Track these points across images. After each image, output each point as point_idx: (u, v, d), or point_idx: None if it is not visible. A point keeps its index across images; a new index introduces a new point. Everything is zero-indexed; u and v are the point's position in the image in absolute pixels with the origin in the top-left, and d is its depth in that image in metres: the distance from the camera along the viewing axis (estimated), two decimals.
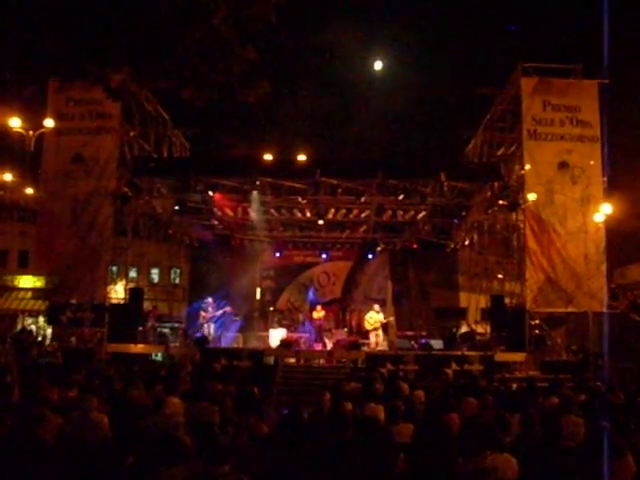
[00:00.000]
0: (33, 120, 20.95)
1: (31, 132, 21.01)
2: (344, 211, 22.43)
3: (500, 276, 22.52)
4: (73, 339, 19.97)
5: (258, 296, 26.98)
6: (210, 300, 22.39)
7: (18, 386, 9.67)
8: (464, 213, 22.65)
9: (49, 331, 22.04)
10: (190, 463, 5.72)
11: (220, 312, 22.30)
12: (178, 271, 28.14)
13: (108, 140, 20.52)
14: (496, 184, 20.35)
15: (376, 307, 22.58)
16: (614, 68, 19.27)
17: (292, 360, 19.85)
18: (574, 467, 6.31)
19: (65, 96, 20.51)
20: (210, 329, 22.02)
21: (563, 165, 19.93)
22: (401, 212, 22.53)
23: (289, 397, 13.81)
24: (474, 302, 23.28)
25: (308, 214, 22.84)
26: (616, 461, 6.12)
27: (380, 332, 22.06)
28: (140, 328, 20.05)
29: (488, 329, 20.82)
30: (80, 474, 5.93)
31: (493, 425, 7.19)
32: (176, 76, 8.43)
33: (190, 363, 17.22)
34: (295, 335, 22.66)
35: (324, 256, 26.74)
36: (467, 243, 24.89)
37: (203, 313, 22.12)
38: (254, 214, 22.80)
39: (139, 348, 19.32)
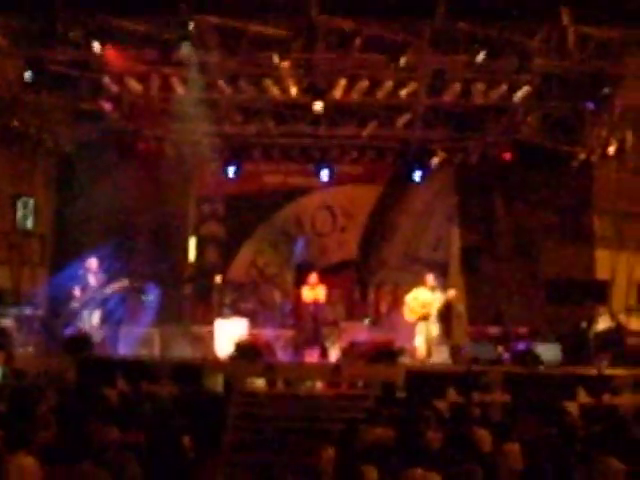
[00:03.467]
0: None
1: None
2: (366, 84, 19.54)
3: None
4: None
5: (192, 255, 24.49)
6: (93, 262, 19.63)
7: None
8: (607, 91, 19.37)
9: None
10: None
11: (112, 288, 19.69)
12: (31, 203, 24.50)
13: None
14: None
15: (430, 278, 19.95)
16: None
17: (260, 382, 18.14)
18: None
19: None
20: (92, 319, 19.43)
21: None
22: (481, 87, 19.59)
23: (253, 455, 13.17)
24: (624, 269, 21.41)
25: (293, 90, 20.16)
26: None
27: (434, 325, 19.45)
28: None
29: None
30: None
31: None
32: None
33: (56, 387, 15.57)
34: (266, 332, 20.63)
35: (324, 175, 23.47)
36: (612, 152, 21.43)
37: (78, 289, 19.39)
38: (185, 89, 20.16)
39: None
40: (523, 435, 10.68)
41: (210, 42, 18.47)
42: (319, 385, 18.14)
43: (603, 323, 20.00)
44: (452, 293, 20.68)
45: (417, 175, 23.76)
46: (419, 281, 20.22)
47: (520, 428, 11.35)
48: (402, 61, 17.95)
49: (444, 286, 20.84)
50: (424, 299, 19.57)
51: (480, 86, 19.64)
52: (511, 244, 23.79)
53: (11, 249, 22.98)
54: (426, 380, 16.89)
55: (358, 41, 18.06)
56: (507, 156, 23.05)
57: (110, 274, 20.02)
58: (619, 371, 17.30)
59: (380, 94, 20.06)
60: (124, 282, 20.02)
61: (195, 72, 19.34)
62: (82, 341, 18.07)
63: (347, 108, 21.98)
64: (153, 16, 17.90)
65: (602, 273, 22.70)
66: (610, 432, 10.88)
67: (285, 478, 8.93)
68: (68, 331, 19.00)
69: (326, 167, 23.60)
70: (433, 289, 19.68)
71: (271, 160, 24.08)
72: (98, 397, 14.12)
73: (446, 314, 20.43)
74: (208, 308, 22.58)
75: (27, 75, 18.89)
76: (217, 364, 18.47)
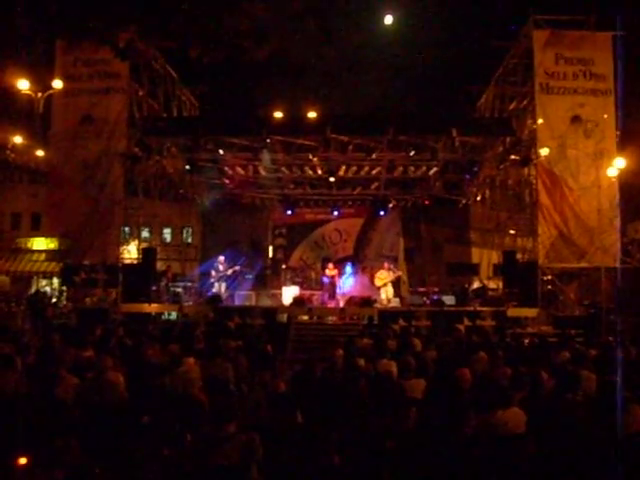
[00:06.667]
0: (41, 82, 20.61)
1: (39, 94, 20.71)
2: (355, 168, 22.26)
3: (512, 232, 22.25)
4: (87, 300, 20.05)
5: (270, 254, 27.03)
6: (221, 258, 22.14)
7: (34, 347, 9.64)
8: (476, 169, 22.39)
9: (64, 292, 22.01)
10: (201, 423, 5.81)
11: (230, 271, 22.06)
12: (190, 230, 28.02)
13: (117, 100, 20.30)
14: (508, 139, 20.16)
15: (386, 265, 22.66)
16: (628, 19, 18.82)
17: (305, 317, 19.92)
18: (584, 421, 6.37)
19: (73, 57, 20.32)
20: (221, 288, 21.85)
21: (576, 119, 19.56)
22: (412, 168, 22.32)
23: (302, 354, 13.73)
24: (486, 258, 23.18)
25: (319, 171, 22.71)
26: (625, 414, 6.20)
27: (390, 288, 22.11)
28: (154, 288, 19.94)
29: (500, 285, 20.78)
30: (97, 433, 5.95)
31: (503, 381, 7.37)
32: (183, 34, 8.34)
33: (204, 322, 17.54)
34: (308, 292, 22.72)
35: (335, 213, 26.41)
36: (479, 199, 24.78)
37: (213, 272, 21.98)
38: (265, 172, 22.73)
39: (153, 307, 19.31)
40: (437, 342, 11.57)
41: (277, 148, 20.69)
42: (334, 318, 19.95)
43: (476, 284, 22.35)
44: (399, 273, 23.16)
45: (381, 213, 25.96)
46: (382, 266, 22.53)
47: (436, 338, 12.57)
48: (373, 156, 20.66)
49: (397, 268, 23.18)
50: (385, 275, 21.97)
51: (412, 168, 22.24)
52: (429, 247, 25.97)
53: (180, 253, 26.39)
54: (388, 315, 18.72)
55: (350, 146, 20.60)
56: (427, 202, 25.38)
57: (230, 264, 21.93)
58: (484, 308, 19.09)
59: (362, 173, 22.55)
60: (237, 268, 22.07)
61: (270, 163, 21.64)
62: (216, 298, 19.98)
63: (346, 180, 23.77)
64: (247, 135, 20.26)
65: (475, 259, 25.15)
66: (480, 340, 12.27)
67: (317, 366, 8.79)
68: (209, 293, 21.18)
69: (336, 209, 26.13)
70: (389, 270, 22.10)
71: (309, 207, 26.38)
72: (224, 326, 15.33)
73: (397, 282, 22.77)
74: (278, 281, 24.74)
75: (187, 167, 21.54)
76: (283, 308, 20.18)
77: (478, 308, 19.38)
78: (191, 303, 20.77)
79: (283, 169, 22.67)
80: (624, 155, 20.03)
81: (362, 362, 9.22)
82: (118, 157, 19.93)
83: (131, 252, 21.31)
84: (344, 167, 22.22)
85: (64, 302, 21.28)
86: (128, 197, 20.67)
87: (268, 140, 19.71)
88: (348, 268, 23.68)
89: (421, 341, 11.47)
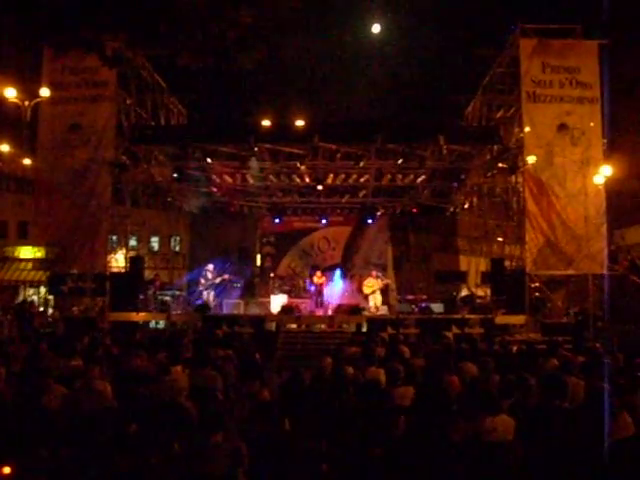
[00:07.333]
0: (29, 90, 20.70)
1: (27, 102, 20.69)
2: (343, 176, 22.25)
3: (500, 239, 22.38)
4: (75, 309, 19.90)
5: (259, 262, 27.07)
6: (210, 266, 22.20)
7: (21, 356, 9.56)
8: (463, 176, 22.40)
9: (51, 301, 21.85)
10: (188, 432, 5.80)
11: (219, 280, 22.10)
12: (178, 239, 27.88)
13: (104, 108, 20.11)
14: (495, 147, 20.24)
15: (374, 273, 22.89)
16: (614, 28, 18.99)
17: (293, 326, 19.87)
18: (572, 428, 6.32)
19: (60, 65, 20.10)
20: (209, 296, 21.93)
21: (562, 127, 19.58)
22: (400, 176, 22.32)
23: (291, 362, 13.77)
24: (474, 265, 23.36)
25: (307, 180, 22.67)
26: (614, 421, 6.17)
27: (378, 296, 22.34)
28: (141, 296, 19.96)
29: (488, 292, 20.87)
30: (84, 442, 5.92)
31: (492, 388, 7.34)
32: (171, 42, 8.35)
33: (192, 330, 17.68)
34: (296, 301, 22.76)
35: (324, 221, 26.50)
36: (467, 206, 24.81)
37: (202, 280, 21.99)
38: (253, 180, 22.68)
39: (141, 316, 19.29)
40: (426, 350, 11.36)
41: (265, 156, 20.66)
42: (323, 326, 19.78)
43: (464, 292, 23.04)
44: (387, 280, 23.75)
45: (369, 221, 26.33)
46: (370, 274, 22.86)
47: (424, 346, 12.20)
48: (361, 164, 20.54)
49: (385, 277, 23.64)
50: (373, 283, 22.29)
51: (400, 176, 22.19)
52: (417, 254, 26.40)
53: (168, 261, 25.47)
54: (376, 323, 18.76)
55: (338, 155, 20.61)
56: (414, 210, 25.41)
57: (218, 273, 22.09)
58: (472, 316, 19.17)
59: (350, 181, 22.57)
60: (225, 276, 22.22)
61: (257, 172, 21.59)
62: (204, 307, 20.11)
63: (334, 188, 23.84)
64: (236, 144, 20.27)
65: (463, 267, 25.42)
66: (468, 347, 11.56)
67: (305, 374, 8.60)
68: (197, 302, 21.21)
69: (324, 217, 26.35)
70: (377, 277, 22.48)
71: (297, 215, 26.34)
72: (213, 335, 15.36)
73: (386, 290, 23.19)
74: (267, 289, 24.86)
75: (175, 175, 21.27)
76: (272, 317, 20.26)
77: (466, 316, 19.35)
78: (179, 312, 20.72)
79: (271, 177, 22.55)
80: (610, 163, 20.14)
81: (350, 370, 9.20)
82: (106, 165, 19.73)
83: (119, 261, 21.19)
84: (332, 175, 22.15)
85: (51, 311, 21.17)
86: (116, 205, 20.54)
87: (256, 148, 19.64)
88: (336, 276, 23.85)
89: (409, 349, 11.44)
